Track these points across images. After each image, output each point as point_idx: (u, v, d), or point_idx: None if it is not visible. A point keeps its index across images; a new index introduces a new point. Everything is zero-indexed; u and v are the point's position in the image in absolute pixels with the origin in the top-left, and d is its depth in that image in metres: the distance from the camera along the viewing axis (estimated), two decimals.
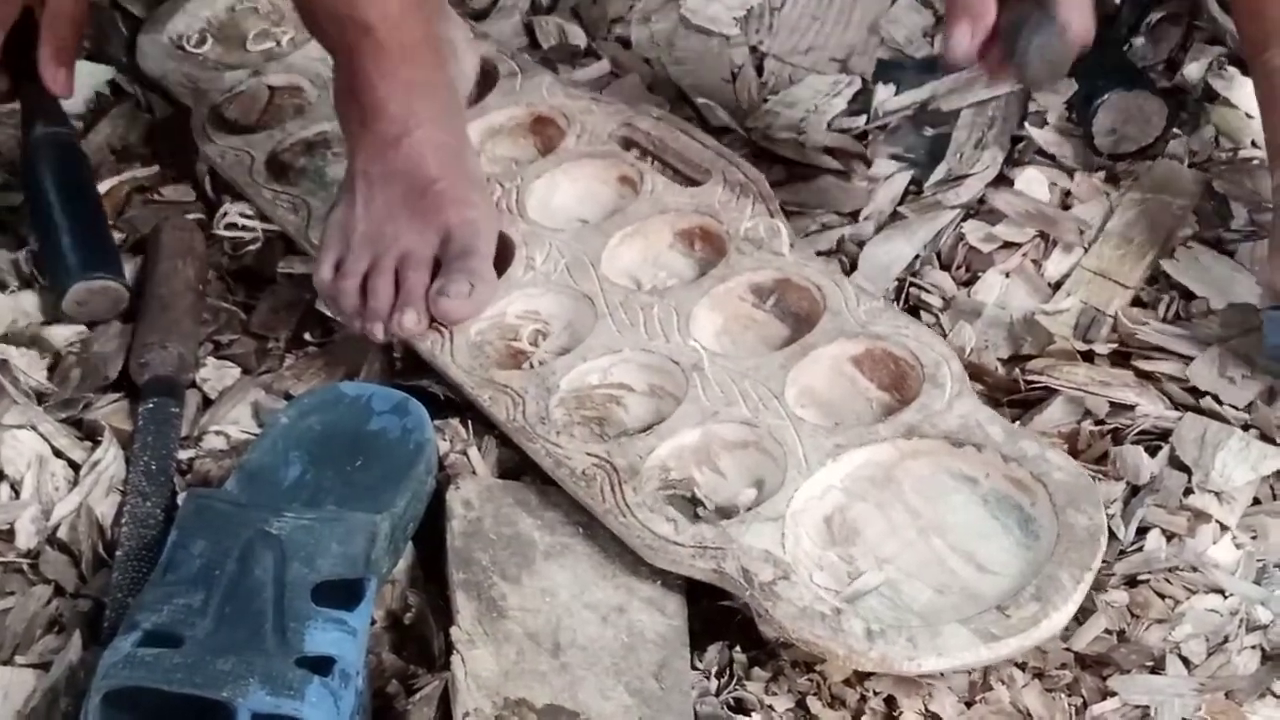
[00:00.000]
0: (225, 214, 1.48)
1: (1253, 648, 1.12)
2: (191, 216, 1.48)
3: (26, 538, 1.22)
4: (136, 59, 1.63)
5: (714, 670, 1.12)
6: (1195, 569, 1.16)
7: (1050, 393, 1.28)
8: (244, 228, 1.47)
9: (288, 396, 1.33)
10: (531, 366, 1.29)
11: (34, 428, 1.28)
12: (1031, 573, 1.09)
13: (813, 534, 1.15)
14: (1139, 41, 1.56)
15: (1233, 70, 1.51)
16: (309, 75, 1.58)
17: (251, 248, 1.46)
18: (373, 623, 1.14)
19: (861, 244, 1.42)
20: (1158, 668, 1.12)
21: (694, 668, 1.12)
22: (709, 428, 1.21)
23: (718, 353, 1.27)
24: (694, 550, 1.13)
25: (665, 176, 1.42)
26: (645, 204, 1.39)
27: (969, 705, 1.09)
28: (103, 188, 1.49)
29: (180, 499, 1.23)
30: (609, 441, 1.22)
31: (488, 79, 1.53)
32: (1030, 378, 1.29)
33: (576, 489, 1.19)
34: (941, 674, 1.09)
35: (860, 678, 1.11)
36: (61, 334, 1.37)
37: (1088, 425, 1.25)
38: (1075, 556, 1.09)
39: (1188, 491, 1.20)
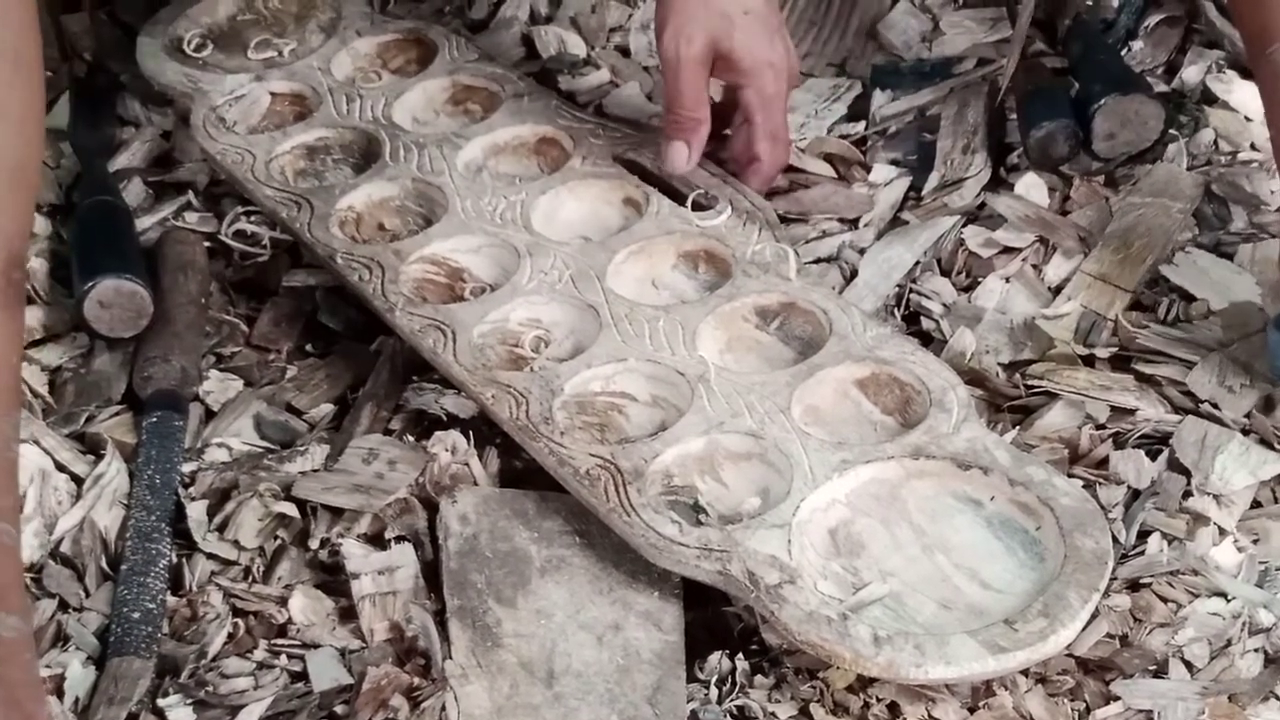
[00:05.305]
0: (235, 220, 1.48)
1: (1256, 651, 1.12)
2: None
3: (29, 552, 1.21)
4: (136, 59, 1.64)
5: (716, 678, 1.12)
6: (1197, 572, 1.16)
7: (1051, 397, 1.28)
8: (252, 235, 1.48)
9: (290, 408, 1.34)
10: (533, 371, 1.28)
11: (36, 441, 1.28)
12: (1036, 592, 1.09)
13: (817, 545, 1.15)
14: (1137, 45, 1.56)
15: (1231, 74, 1.51)
16: (311, 83, 1.59)
17: (260, 259, 1.46)
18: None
19: (862, 251, 1.43)
20: (1160, 671, 1.11)
21: (695, 677, 1.12)
22: (714, 437, 1.21)
23: (723, 367, 1.27)
24: (699, 552, 1.13)
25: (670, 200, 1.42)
26: (651, 224, 1.39)
27: (972, 711, 1.09)
28: None
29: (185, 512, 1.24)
30: (612, 445, 1.22)
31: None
32: (1031, 382, 1.29)
33: (580, 488, 1.19)
34: (947, 685, 1.09)
35: (863, 684, 1.10)
36: (61, 349, 1.38)
37: (1088, 429, 1.25)
38: (1082, 578, 1.09)
39: (1186, 494, 1.20)
